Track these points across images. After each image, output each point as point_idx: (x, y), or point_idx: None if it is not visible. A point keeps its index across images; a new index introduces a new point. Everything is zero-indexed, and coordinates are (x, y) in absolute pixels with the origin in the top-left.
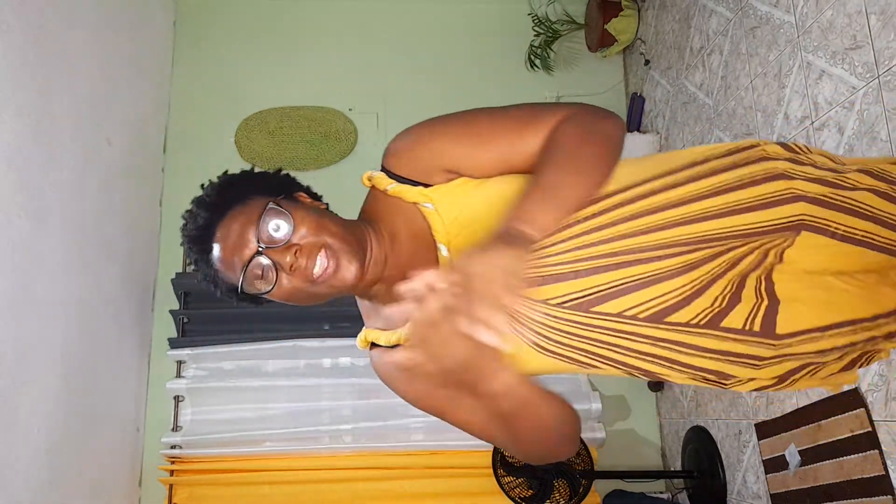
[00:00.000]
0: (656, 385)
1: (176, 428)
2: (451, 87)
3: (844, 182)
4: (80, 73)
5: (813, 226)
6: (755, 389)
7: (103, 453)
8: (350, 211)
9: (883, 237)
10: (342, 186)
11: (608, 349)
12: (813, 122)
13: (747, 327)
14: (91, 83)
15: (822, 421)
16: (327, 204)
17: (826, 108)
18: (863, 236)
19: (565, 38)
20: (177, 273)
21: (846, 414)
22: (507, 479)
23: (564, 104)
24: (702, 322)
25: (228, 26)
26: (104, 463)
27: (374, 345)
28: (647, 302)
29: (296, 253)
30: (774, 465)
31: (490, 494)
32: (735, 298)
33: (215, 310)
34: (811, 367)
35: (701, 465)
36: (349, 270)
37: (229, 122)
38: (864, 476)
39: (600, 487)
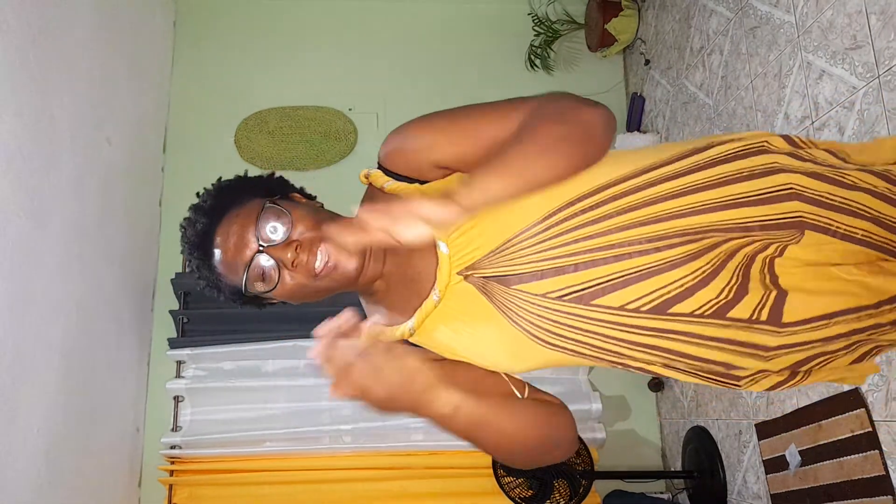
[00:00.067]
0: (656, 385)
1: (175, 428)
2: (451, 87)
3: (844, 179)
4: (80, 73)
5: (813, 224)
6: (771, 388)
7: (103, 453)
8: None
9: (882, 237)
10: (342, 186)
11: (611, 342)
12: (813, 122)
13: (754, 317)
14: (91, 83)
15: (823, 421)
16: (322, 203)
17: (826, 107)
18: (863, 235)
19: (565, 37)
20: (176, 273)
21: (847, 414)
22: (507, 479)
23: (550, 94)
24: (707, 313)
25: (228, 26)
26: (104, 463)
27: None
28: (648, 294)
29: (296, 249)
30: (775, 465)
31: (490, 494)
32: (742, 290)
33: (215, 310)
34: (820, 360)
35: (701, 466)
36: (350, 263)
37: (229, 122)
38: (865, 476)
39: (600, 488)
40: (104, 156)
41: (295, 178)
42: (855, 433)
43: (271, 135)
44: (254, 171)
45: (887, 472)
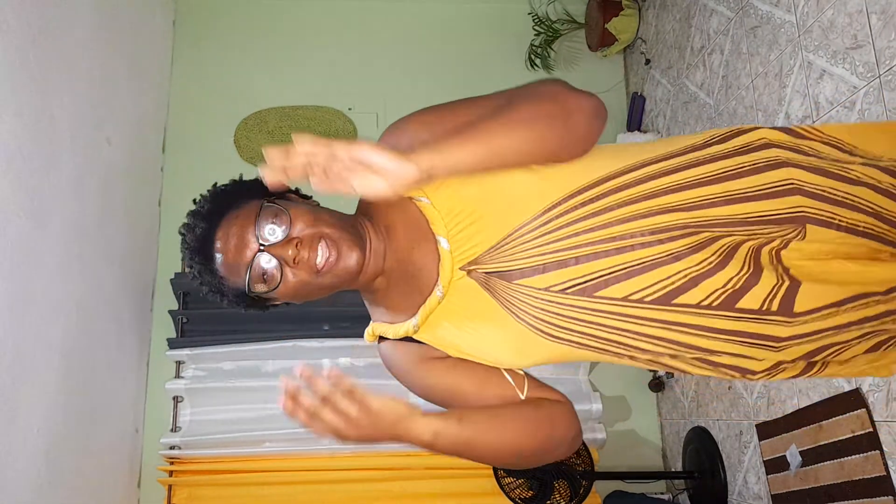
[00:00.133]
0: (657, 385)
1: (175, 428)
2: (451, 87)
3: (847, 174)
4: (79, 73)
5: (815, 218)
6: (792, 377)
7: (102, 454)
8: (350, 212)
9: (885, 229)
10: None
11: (617, 334)
12: (814, 122)
13: (765, 307)
14: (91, 83)
15: (824, 421)
16: (318, 202)
17: (827, 107)
18: (864, 228)
19: (566, 37)
20: (176, 273)
21: (847, 414)
22: (508, 479)
23: (543, 79)
24: (714, 303)
25: (228, 26)
26: (103, 463)
27: (381, 338)
28: (652, 285)
29: (297, 246)
30: (775, 465)
31: (490, 495)
32: (753, 279)
33: (214, 310)
34: (833, 349)
35: (702, 466)
36: (351, 258)
37: (228, 122)
38: (866, 477)
39: (601, 488)
40: (104, 156)
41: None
42: (856, 434)
43: (271, 134)
44: (253, 171)
45: (888, 472)
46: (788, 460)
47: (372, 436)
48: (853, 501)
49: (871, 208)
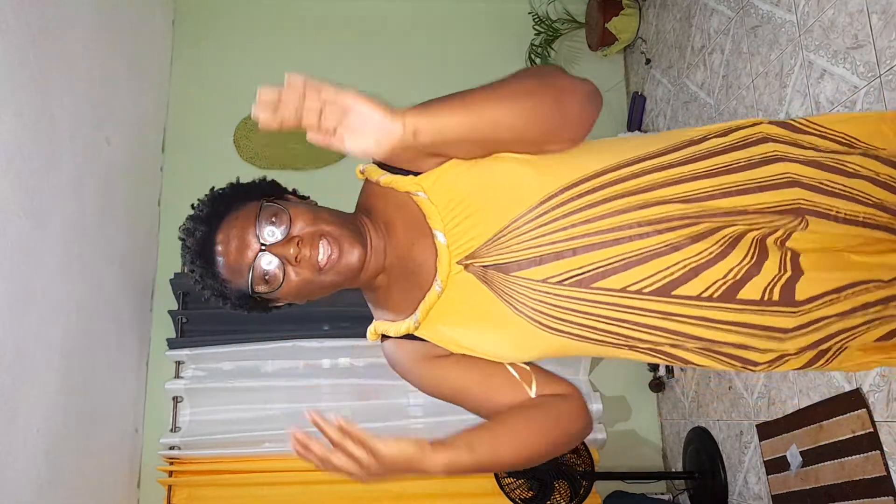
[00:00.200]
0: (657, 385)
1: (175, 429)
2: (451, 87)
3: (845, 167)
4: (79, 73)
5: (813, 210)
6: (800, 367)
7: (102, 454)
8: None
9: (887, 219)
10: (341, 186)
11: (616, 325)
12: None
13: (766, 297)
14: (91, 83)
15: (824, 422)
16: (316, 202)
17: (828, 107)
18: (865, 218)
19: (566, 37)
20: (175, 273)
21: (848, 414)
22: (507, 480)
23: (539, 66)
24: (715, 295)
25: (228, 26)
26: (103, 463)
27: (384, 337)
28: (651, 276)
29: (298, 244)
30: (776, 465)
31: (490, 495)
32: (754, 269)
33: (214, 310)
34: (841, 336)
35: (702, 466)
36: (352, 254)
37: (228, 122)
38: (866, 477)
39: (601, 488)
40: (104, 156)
41: (294, 179)
42: (856, 434)
43: (271, 134)
44: (253, 171)
45: (888, 472)
46: (789, 460)
47: (384, 477)
48: (853, 502)
49: (871, 200)
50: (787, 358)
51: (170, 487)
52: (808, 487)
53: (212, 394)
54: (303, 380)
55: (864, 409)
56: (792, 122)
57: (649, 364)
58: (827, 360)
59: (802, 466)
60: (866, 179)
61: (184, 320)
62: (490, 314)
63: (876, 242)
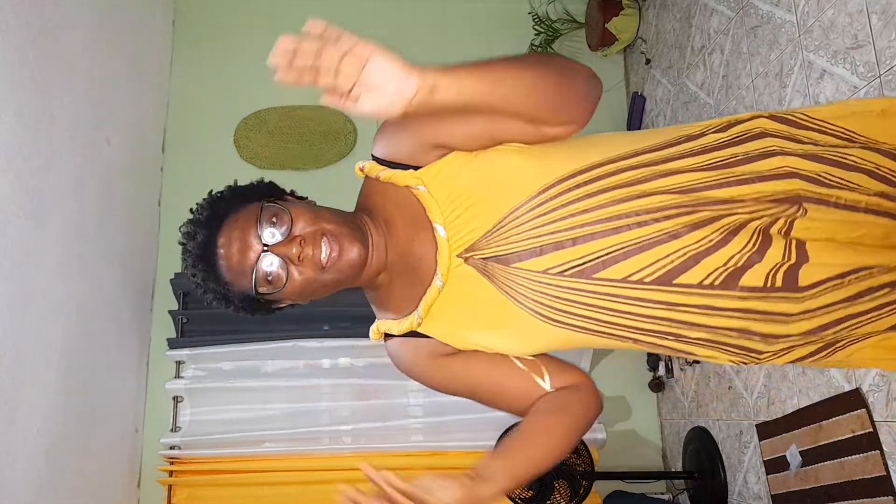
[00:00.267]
0: (657, 385)
1: (175, 428)
2: None
3: (845, 160)
4: (79, 73)
5: (813, 198)
6: (801, 359)
7: (102, 454)
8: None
9: (889, 205)
10: (342, 186)
11: (619, 316)
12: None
13: (768, 284)
14: (91, 83)
15: (824, 421)
16: (314, 202)
17: None
18: (867, 206)
19: (566, 37)
20: (175, 273)
21: (847, 414)
22: None
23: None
24: (716, 283)
25: (228, 26)
26: (103, 463)
27: (387, 335)
28: (651, 265)
29: (300, 244)
30: (775, 465)
31: None
32: (756, 256)
33: (214, 310)
34: (849, 323)
35: (702, 466)
36: (353, 251)
37: (228, 122)
38: (866, 477)
39: (601, 488)
40: (104, 156)
41: (295, 178)
42: (856, 433)
43: (271, 134)
44: (253, 171)
45: (888, 472)
46: (788, 460)
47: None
48: (853, 501)
49: (872, 191)
50: (793, 347)
51: (170, 487)
52: (807, 487)
53: (212, 394)
54: (303, 380)
55: (864, 409)
56: (791, 118)
57: (649, 364)
58: (835, 351)
59: (802, 466)
60: (866, 173)
61: (184, 320)
62: (492, 308)
63: (882, 230)
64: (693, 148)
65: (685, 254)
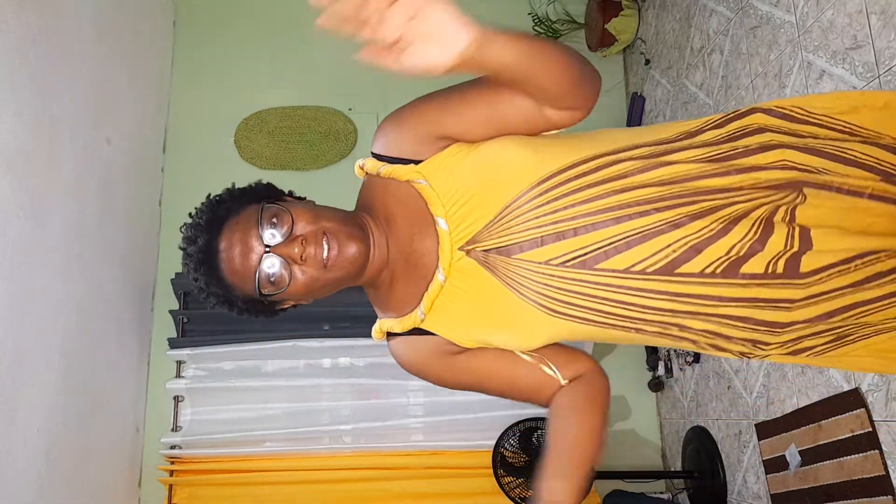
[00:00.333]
0: (657, 385)
1: (175, 428)
2: None
3: (844, 154)
4: (79, 73)
5: (813, 183)
6: (807, 352)
7: (103, 453)
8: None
9: (894, 191)
10: (342, 186)
11: (622, 307)
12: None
13: (769, 270)
14: (91, 83)
15: (823, 421)
16: (313, 202)
17: None
18: (873, 192)
19: (565, 37)
20: (176, 273)
21: (847, 414)
22: (507, 479)
23: None
24: (718, 271)
25: (228, 26)
26: (104, 463)
27: (390, 334)
28: (653, 255)
29: (302, 243)
30: (775, 465)
31: (490, 494)
32: (758, 245)
33: (215, 310)
34: (857, 311)
35: (701, 466)
36: (355, 249)
37: (229, 122)
38: (865, 476)
39: (600, 488)
40: (104, 156)
41: (295, 178)
42: (855, 433)
43: (271, 135)
44: (253, 171)
45: (887, 472)
46: (788, 460)
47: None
48: (852, 501)
49: (874, 181)
50: (801, 339)
51: (171, 487)
52: (806, 487)
53: (212, 393)
54: (303, 379)
55: (863, 409)
56: (790, 113)
57: (648, 364)
58: (844, 343)
59: (801, 466)
60: (867, 168)
61: (185, 320)
62: (495, 301)
63: (889, 219)
64: (692, 143)
65: (687, 243)
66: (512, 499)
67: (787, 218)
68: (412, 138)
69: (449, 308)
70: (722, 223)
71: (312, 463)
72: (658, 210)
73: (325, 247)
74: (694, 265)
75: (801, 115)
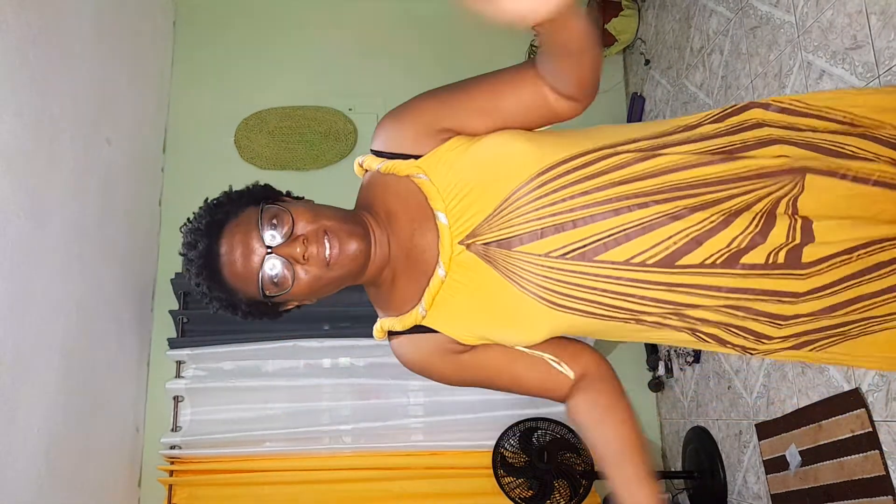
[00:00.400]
0: (657, 385)
1: (175, 428)
2: None
3: (843, 150)
4: (79, 73)
5: (815, 170)
6: (790, 347)
7: (103, 454)
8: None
9: None
10: (342, 186)
11: (622, 299)
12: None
13: (770, 261)
14: (91, 83)
15: (823, 421)
16: (312, 201)
17: None
18: (879, 177)
19: None
20: (176, 273)
21: (847, 414)
22: (508, 479)
23: None
24: (718, 262)
25: (228, 26)
26: (104, 463)
27: (391, 334)
28: (653, 247)
29: (304, 242)
30: (775, 465)
31: (490, 495)
32: (759, 238)
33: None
34: (863, 303)
35: (701, 466)
36: (357, 246)
37: (229, 122)
38: (865, 476)
39: (601, 488)
40: (104, 156)
41: (295, 179)
42: (855, 433)
43: (271, 135)
44: (253, 171)
45: (888, 472)
46: (788, 460)
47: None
48: (853, 501)
49: (875, 170)
50: (805, 333)
51: (170, 487)
52: (807, 487)
53: (212, 393)
54: (303, 379)
55: (863, 409)
56: (789, 106)
57: (648, 364)
58: (847, 338)
59: (801, 466)
60: (866, 160)
61: (184, 320)
62: (495, 295)
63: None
64: (690, 137)
65: (687, 235)
66: (512, 499)
67: (790, 210)
68: (412, 134)
69: (450, 303)
70: (723, 215)
71: (312, 463)
72: (657, 202)
73: (327, 245)
74: (694, 257)
75: (800, 107)
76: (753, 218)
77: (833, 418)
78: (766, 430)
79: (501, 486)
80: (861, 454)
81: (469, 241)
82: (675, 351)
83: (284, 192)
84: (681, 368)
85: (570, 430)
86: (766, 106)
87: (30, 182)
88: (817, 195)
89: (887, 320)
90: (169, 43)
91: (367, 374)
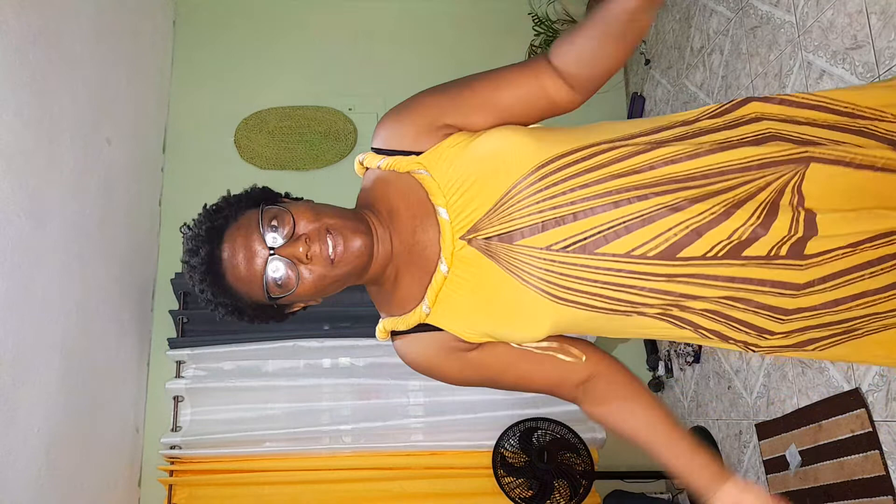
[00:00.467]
0: (657, 385)
1: (175, 428)
2: None
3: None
4: (79, 73)
5: (819, 158)
6: (792, 344)
7: (103, 453)
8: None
9: None
10: (342, 186)
11: (624, 291)
12: None
13: (772, 253)
14: (91, 83)
15: (823, 421)
16: (311, 201)
17: None
18: (885, 164)
19: None
20: (176, 273)
21: (847, 414)
22: (508, 479)
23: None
24: (720, 254)
25: (228, 26)
26: (104, 463)
27: (394, 333)
28: (654, 238)
29: (306, 241)
30: (775, 465)
31: (490, 495)
32: (761, 230)
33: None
34: (866, 299)
35: None
36: (357, 241)
37: (229, 122)
38: (865, 476)
39: (601, 488)
40: (104, 156)
41: (295, 179)
42: (855, 433)
43: (271, 135)
44: (253, 171)
45: (887, 472)
46: (788, 460)
47: None
48: (853, 501)
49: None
50: (808, 329)
51: (170, 487)
52: (807, 487)
53: (212, 393)
54: (303, 379)
55: (863, 409)
56: (788, 98)
57: (649, 364)
58: (852, 337)
59: (801, 466)
60: (867, 148)
61: (184, 320)
62: (498, 289)
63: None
64: (688, 131)
65: (687, 227)
66: (512, 499)
67: (795, 200)
68: (413, 131)
69: (453, 300)
70: (724, 206)
71: (312, 463)
72: (656, 194)
73: (330, 243)
74: (695, 249)
75: (800, 99)
76: (756, 209)
77: (833, 418)
78: (766, 430)
79: (501, 486)
80: (861, 454)
81: (470, 236)
82: (675, 351)
83: (283, 194)
84: (681, 368)
85: (571, 430)
86: (765, 99)
87: (30, 182)
88: (822, 183)
89: (891, 316)
90: (169, 43)
91: (367, 374)
